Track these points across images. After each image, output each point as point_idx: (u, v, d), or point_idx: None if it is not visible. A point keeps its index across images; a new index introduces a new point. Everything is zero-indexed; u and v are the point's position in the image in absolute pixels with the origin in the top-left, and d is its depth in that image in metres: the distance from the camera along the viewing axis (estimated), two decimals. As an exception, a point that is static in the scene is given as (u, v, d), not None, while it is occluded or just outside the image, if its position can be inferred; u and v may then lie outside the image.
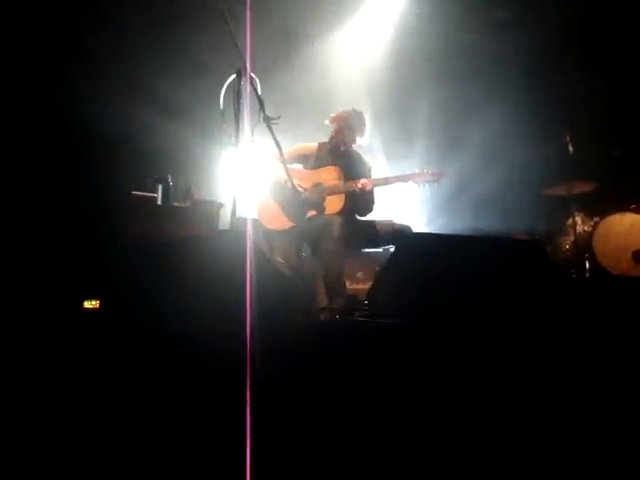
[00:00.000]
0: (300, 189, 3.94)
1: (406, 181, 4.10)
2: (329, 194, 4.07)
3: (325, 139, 4.31)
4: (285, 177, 3.56)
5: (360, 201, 4.09)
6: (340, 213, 4.01)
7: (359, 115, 4.23)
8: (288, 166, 3.55)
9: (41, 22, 5.07)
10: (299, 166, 4.24)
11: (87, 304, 3.83)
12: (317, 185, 4.12)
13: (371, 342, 2.60)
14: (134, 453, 2.28)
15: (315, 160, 4.23)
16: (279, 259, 4.11)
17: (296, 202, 3.91)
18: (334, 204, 4.05)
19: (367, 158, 4.33)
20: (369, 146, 5.89)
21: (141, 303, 2.93)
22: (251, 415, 2.07)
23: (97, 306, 3.72)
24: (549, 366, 2.47)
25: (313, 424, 2.32)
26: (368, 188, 4.03)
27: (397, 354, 2.52)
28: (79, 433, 2.34)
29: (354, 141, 4.24)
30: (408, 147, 6.16)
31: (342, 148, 4.22)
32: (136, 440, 2.31)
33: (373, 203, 4.17)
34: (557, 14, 5.70)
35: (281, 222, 4.11)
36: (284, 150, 3.38)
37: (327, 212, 4.03)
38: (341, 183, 4.09)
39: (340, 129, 4.21)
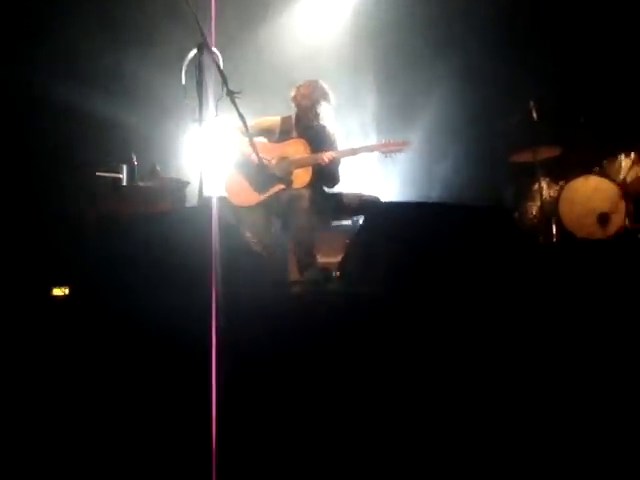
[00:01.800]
0: (266, 161, 3.92)
1: (372, 151, 4.11)
2: (296, 167, 4.05)
3: (289, 112, 4.27)
4: (250, 151, 3.52)
5: (327, 173, 4.08)
6: (308, 186, 3.99)
7: (321, 86, 4.18)
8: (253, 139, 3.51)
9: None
10: (263, 140, 4.19)
11: (56, 291, 3.76)
12: (284, 159, 4.09)
13: (343, 313, 2.61)
14: (103, 440, 2.26)
15: (280, 134, 4.19)
16: (249, 235, 4.09)
17: (263, 175, 3.88)
18: (302, 177, 4.03)
19: (331, 129, 4.29)
20: (361, 123, 5.91)
21: (111, 286, 2.88)
22: (217, 394, 2.05)
23: (66, 293, 3.66)
24: (521, 332, 2.50)
25: (285, 400, 2.32)
26: (335, 158, 4.02)
27: (369, 324, 2.53)
28: (46, 422, 2.32)
29: (318, 112, 4.18)
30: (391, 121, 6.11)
31: (306, 120, 4.18)
32: (105, 427, 2.29)
33: (340, 174, 4.17)
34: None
35: (249, 197, 4.08)
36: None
37: (295, 186, 4.01)
38: (308, 156, 4.07)
39: (303, 101, 4.16)
